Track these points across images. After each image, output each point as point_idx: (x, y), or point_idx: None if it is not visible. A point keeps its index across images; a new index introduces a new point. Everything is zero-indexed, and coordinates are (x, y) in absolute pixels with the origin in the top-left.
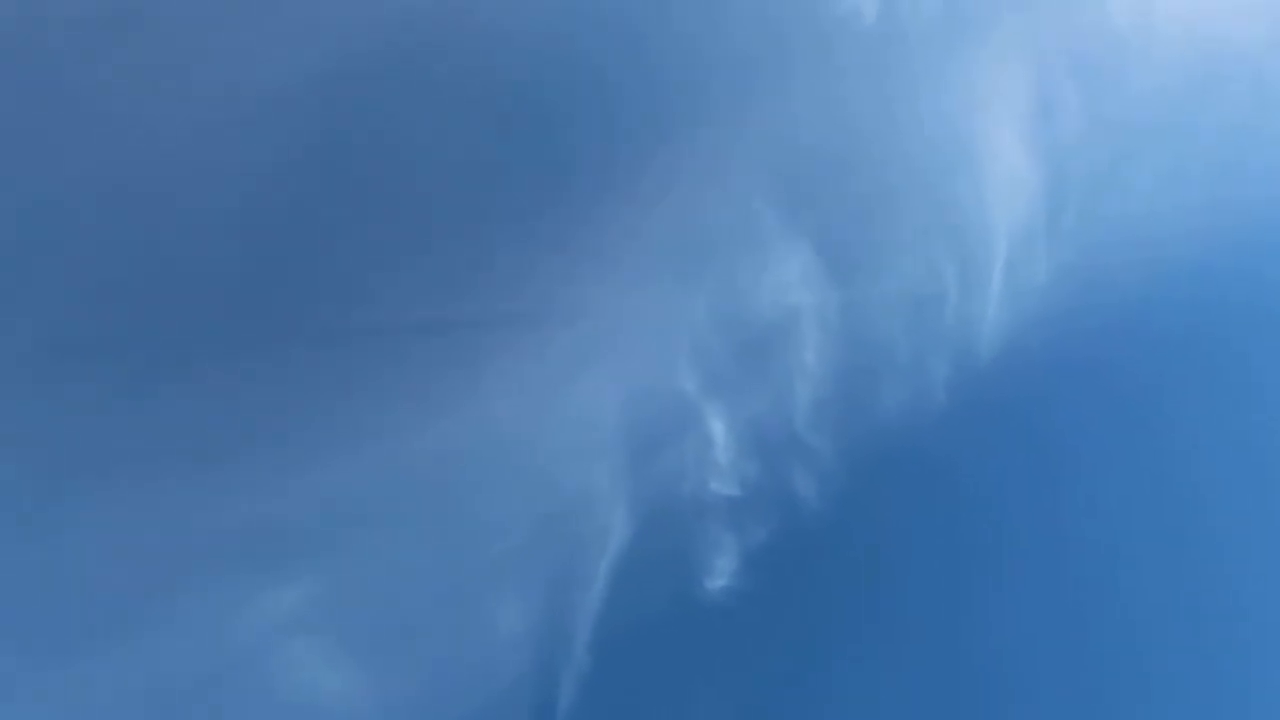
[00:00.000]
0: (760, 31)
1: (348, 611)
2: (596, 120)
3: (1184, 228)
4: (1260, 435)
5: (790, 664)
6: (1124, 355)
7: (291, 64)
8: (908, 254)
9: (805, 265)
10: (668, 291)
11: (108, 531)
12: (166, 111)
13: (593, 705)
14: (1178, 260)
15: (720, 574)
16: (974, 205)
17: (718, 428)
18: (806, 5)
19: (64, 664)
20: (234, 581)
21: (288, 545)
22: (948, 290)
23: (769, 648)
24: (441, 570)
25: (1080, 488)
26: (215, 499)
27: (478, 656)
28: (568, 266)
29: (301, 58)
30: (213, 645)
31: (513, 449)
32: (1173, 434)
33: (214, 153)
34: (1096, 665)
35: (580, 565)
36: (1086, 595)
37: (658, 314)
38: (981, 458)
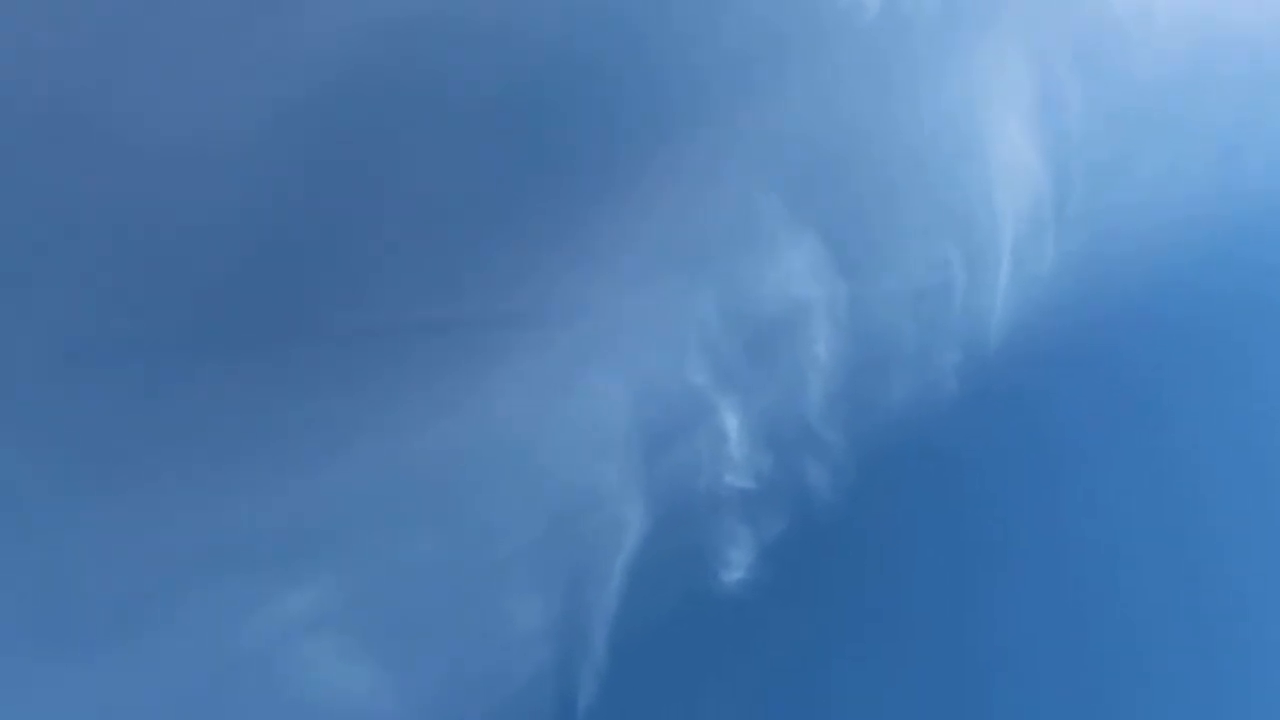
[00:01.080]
0: (762, 27)
1: (362, 612)
2: (600, 118)
3: (1189, 217)
4: (1267, 424)
5: (807, 655)
6: (1131, 344)
7: (294, 66)
8: (915, 246)
9: (813, 259)
10: (676, 287)
11: (117, 534)
12: (169, 115)
13: (612, 701)
14: (1183, 249)
15: (736, 567)
16: (979, 196)
17: (731, 422)
18: (808, 1)
19: (75, 667)
20: (245, 583)
21: (300, 546)
22: (956, 281)
23: (786, 639)
24: (456, 569)
25: (1091, 478)
26: (225, 500)
27: (494, 655)
28: (574, 265)
29: (304, 60)
30: (225, 647)
31: (524, 448)
32: (1181, 423)
33: (217, 155)
34: (1104, 654)
35: (595, 562)
36: (1097, 586)
37: (666, 310)
38: (993, 448)
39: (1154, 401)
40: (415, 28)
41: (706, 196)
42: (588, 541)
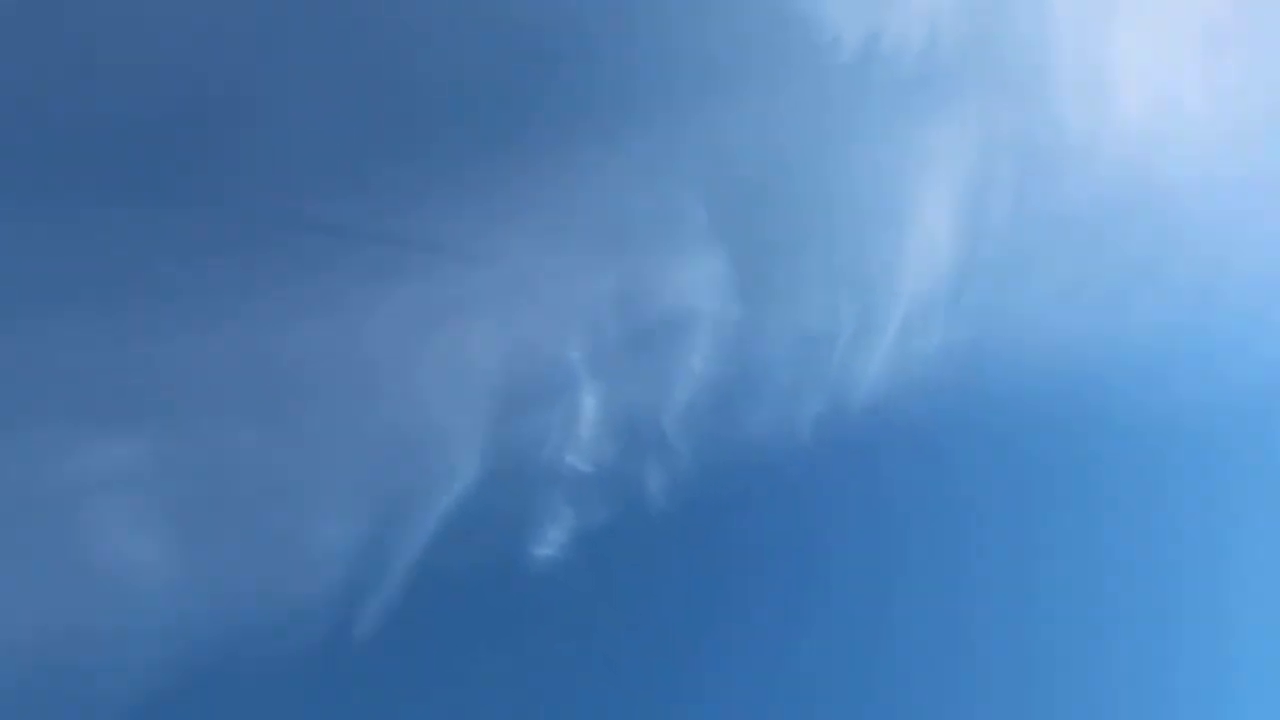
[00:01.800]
0: (738, 47)
1: (172, 483)
2: (566, 94)
3: (1078, 338)
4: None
5: (592, 645)
6: (980, 446)
7: None
8: (814, 291)
9: (717, 275)
10: (582, 263)
11: None
12: None
13: (390, 636)
14: (1062, 369)
15: (550, 544)
16: (887, 262)
17: (590, 404)
18: (790, 26)
19: None
20: (62, 431)
21: (124, 405)
22: (841, 335)
23: (577, 625)
24: (277, 467)
25: (899, 549)
26: (64, 348)
27: (289, 562)
28: (498, 213)
29: None
30: (25, 492)
31: (384, 370)
32: (996, 528)
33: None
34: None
35: (417, 499)
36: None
37: (566, 281)
38: (827, 497)
39: (981, 504)
40: None
41: (639, 190)
42: (415, 478)
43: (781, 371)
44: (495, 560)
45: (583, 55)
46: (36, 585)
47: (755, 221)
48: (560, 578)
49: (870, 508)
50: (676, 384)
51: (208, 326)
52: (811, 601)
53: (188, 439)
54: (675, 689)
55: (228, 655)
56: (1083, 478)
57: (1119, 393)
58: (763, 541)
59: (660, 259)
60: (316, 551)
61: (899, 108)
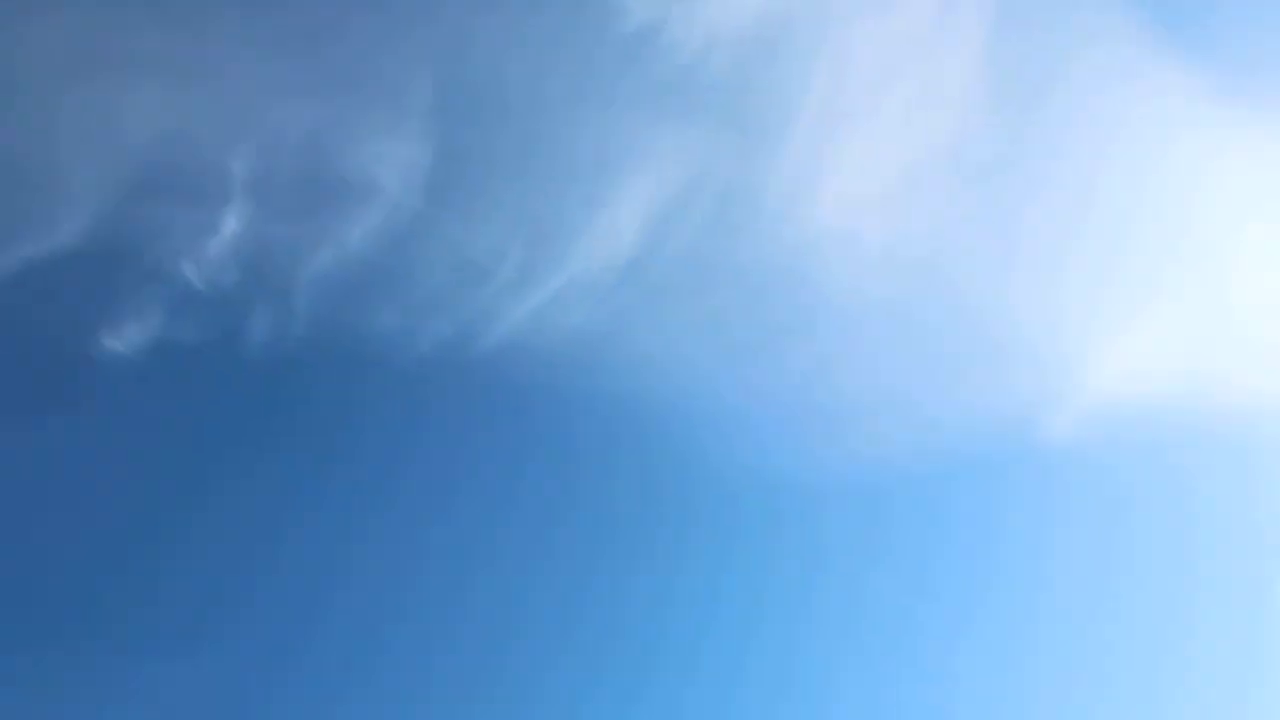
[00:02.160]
0: None
1: None
2: None
3: (702, 374)
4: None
5: (125, 455)
6: (575, 436)
7: None
8: (495, 223)
9: (411, 164)
10: (283, 86)
11: None
12: None
13: None
14: (674, 398)
15: (125, 341)
16: (570, 231)
17: (230, 224)
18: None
19: None
20: None
21: None
22: (498, 276)
23: (115, 429)
24: None
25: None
26: None
27: None
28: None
29: None
30: None
31: (24, 95)
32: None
33: None
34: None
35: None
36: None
37: (258, 97)
38: (416, 413)
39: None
40: None
41: (372, 50)
42: (13, 207)
43: (429, 282)
44: (61, 333)
45: None
46: None
47: (468, 134)
48: (119, 377)
49: (452, 441)
50: (326, 246)
51: None
52: (350, 503)
53: None
54: (191, 523)
55: None
56: (652, 504)
57: (703, 440)
58: (332, 431)
59: (362, 122)
60: None
61: (647, 96)
